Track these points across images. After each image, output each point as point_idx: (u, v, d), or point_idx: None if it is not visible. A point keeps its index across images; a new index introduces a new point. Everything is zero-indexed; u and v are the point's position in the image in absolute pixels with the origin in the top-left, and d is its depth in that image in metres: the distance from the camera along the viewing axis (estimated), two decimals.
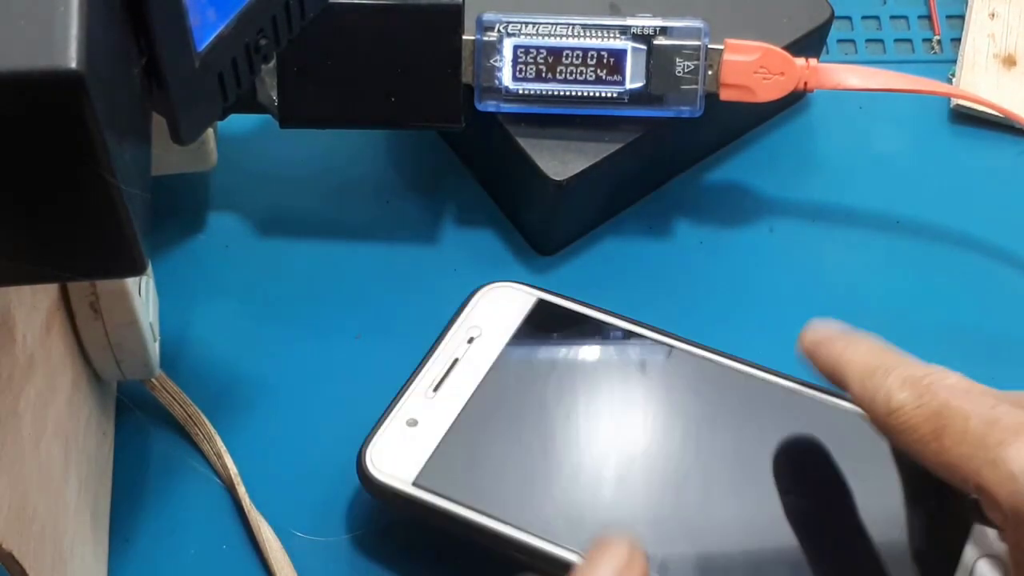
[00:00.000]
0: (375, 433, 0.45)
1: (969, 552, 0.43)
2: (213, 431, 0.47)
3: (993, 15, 0.57)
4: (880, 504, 0.44)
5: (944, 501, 0.43)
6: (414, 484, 0.44)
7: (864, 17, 0.58)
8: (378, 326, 0.49)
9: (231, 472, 0.46)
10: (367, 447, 0.45)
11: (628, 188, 0.52)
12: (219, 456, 0.47)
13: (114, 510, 0.46)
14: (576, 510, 0.44)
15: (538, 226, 0.51)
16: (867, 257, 0.52)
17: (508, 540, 0.43)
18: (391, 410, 0.46)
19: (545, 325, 0.48)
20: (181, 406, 0.47)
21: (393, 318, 0.49)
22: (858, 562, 0.43)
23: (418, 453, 0.44)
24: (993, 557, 0.42)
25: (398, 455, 0.45)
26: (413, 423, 0.46)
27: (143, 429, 0.48)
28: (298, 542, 0.45)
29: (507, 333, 0.47)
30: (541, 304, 0.48)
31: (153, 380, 0.47)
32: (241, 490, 0.46)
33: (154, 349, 0.44)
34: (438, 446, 0.45)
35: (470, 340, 0.47)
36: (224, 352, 0.49)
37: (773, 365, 0.48)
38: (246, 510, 0.46)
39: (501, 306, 0.48)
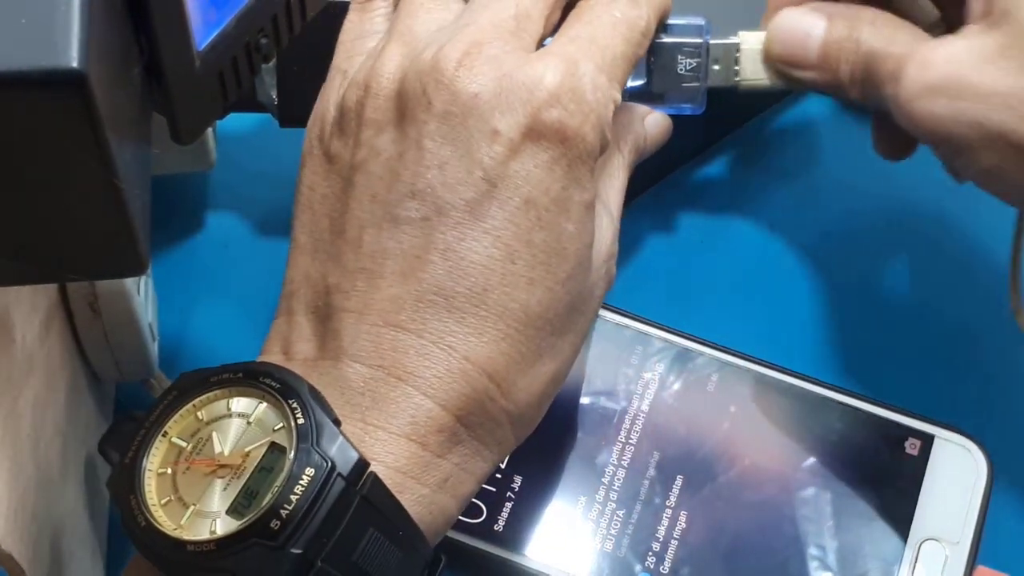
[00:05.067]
0: None
1: (914, 534, 0.44)
2: None
3: None
4: (840, 490, 0.45)
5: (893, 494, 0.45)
6: None
7: None
8: None
9: None
10: None
11: (631, 182, 0.52)
12: None
13: (112, 510, 0.45)
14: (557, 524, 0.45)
15: None
16: (867, 254, 0.52)
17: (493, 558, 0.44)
18: None
19: None
20: None
21: None
22: (811, 548, 0.44)
23: None
24: (936, 540, 0.44)
25: None
26: None
27: None
28: None
29: None
30: None
31: (152, 380, 0.47)
32: None
33: (153, 349, 0.44)
34: None
35: None
36: (223, 352, 0.49)
37: (773, 360, 0.48)
38: None
39: None
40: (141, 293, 0.43)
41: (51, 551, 0.38)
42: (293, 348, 0.37)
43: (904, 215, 0.53)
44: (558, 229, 0.37)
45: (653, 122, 0.45)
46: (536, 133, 0.36)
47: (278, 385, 0.34)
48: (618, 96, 0.39)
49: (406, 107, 0.37)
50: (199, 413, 0.34)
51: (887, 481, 0.45)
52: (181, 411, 0.34)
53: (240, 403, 0.34)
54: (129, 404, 0.47)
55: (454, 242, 0.36)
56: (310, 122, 0.40)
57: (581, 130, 0.37)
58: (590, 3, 0.40)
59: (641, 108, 0.45)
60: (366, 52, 0.40)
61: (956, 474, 0.45)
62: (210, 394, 0.34)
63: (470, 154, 0.36)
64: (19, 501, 0.35)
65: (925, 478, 0.45)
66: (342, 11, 0.46)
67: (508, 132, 0.36)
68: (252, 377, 0.34)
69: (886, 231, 0.53)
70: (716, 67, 0.47)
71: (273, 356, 0.37)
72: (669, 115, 0.48)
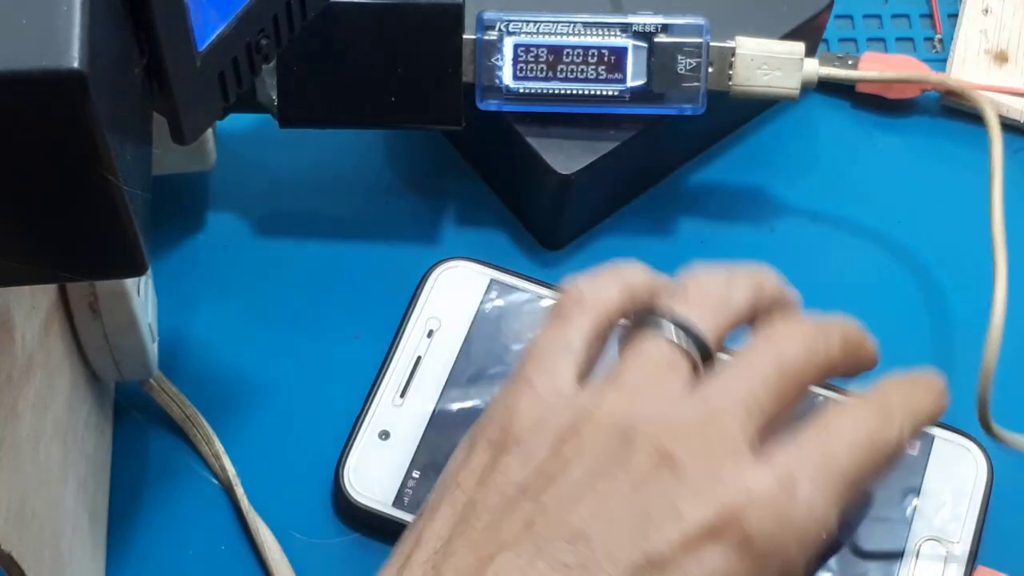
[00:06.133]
0: (349, 452, 0.45)
1: (914, 534, 0.44)
2: (211, 432, 0.47)
3: (987, 11, 0.56)
4: None
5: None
6: (394, 506, 0.44)
7: (866, 16, 0.58)
8: (378, 326, 0.49)
9: (229, 473, 0.46)
10: (344, 471, 0.45)
11: (633, 181, 0.52)
12: (217, 457, 0.46)
13: (112, 511, 0.45)
14: None
15: (544, 221, 0.51)
16: (867, 254, 0.52)
17: None
18: (361, 423, 0.46)
19: (504, 307, 0.48)
20: (179, 407, 0.47)
21: (393, 318, 0.49)
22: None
23: (394, 470, 0.44)
24: (936, 540, 0.44)
25: (374, 475, 0.45)
26: (385, 435, 0.45)
27: (141, 430, 0.47)
28: (296, 543, 0.45)
29: (466, 321, 0.48)
30: (495, 284, 0.49)
31: (151, 381, 0.47)
32: (239, 491, 0.46)
33: (152, 350, 0.44)
34: (413, 458, 0.45)
35: (429, 334, 0.48)
36: (223, 353, 0.49)
37: None
38: (244, 511, 0.45)
39: (456, 290, 0.49)
40: (141, 293, 0.43)
41: (51, 551, 0.38)
42: None
43: (905, 215, 0.53)
44: None
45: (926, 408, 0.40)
46: (718, 533, 0.34)
47: None
48: (834, 521, 0.36)
49: (610, 458, 0.35)
50: None
51: (887, 481, 0.45)
52: None
53: None
54: (129, 404, 0.47)
55: None
56: (491, 413, 0.38)
57: (775, 551, 0.35)
58: (836, 412, 0.38)
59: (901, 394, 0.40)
60: (556, 368, 0.38)
61: (956, 474, 0.45)
62: None
63: (643, 524, 0.34)
64: (19, 501, 0.35)
65: (925, 478, 0.45)
66: (342, 11, 0.46)
67: (693, 521, 0.34)
68: None
69: (886, 231, 0.53)
70: (710, 69, 0.47)
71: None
72: (669, 115, 0.48)
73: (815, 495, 0.35)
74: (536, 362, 0.39)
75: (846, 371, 0.41)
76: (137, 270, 0.29)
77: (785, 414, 0.38)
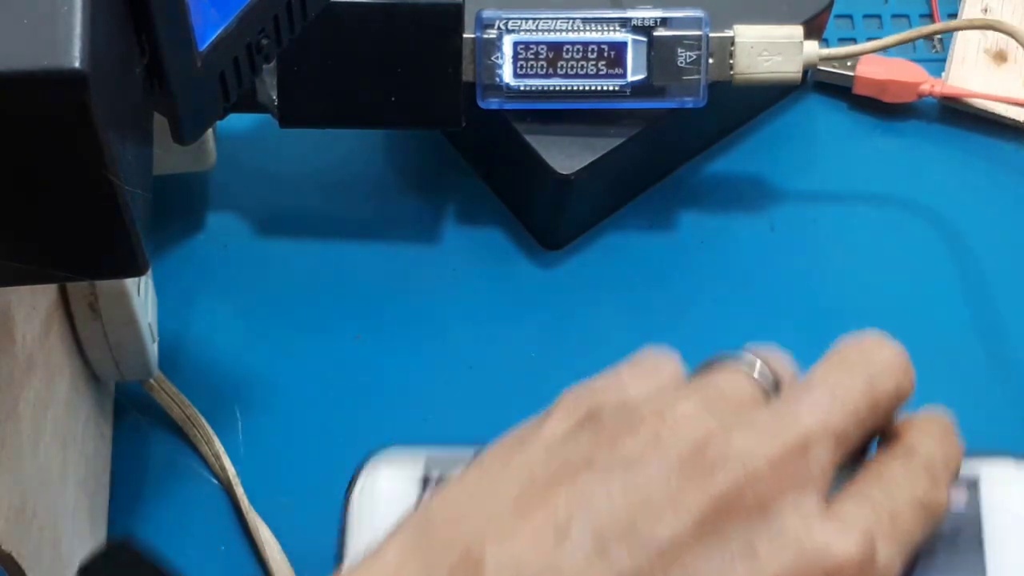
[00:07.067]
0: None
1: None
2: (211, 432, 0.47)
3: (986, 10, 0.56)
4: None
5: None
6: None
7: (866, 16, 0.58)
8: (378, 326, 0.49)
9: (229, 473, 0.46)
10: None
11: (634, 180, 0.52)
12: (217, 457, 0.46)
13: (112, 511, 0.45)
14: None
15: (544, 221, 0.51)
16: (869, 254, 0.52)
17: None
18: None
19: None
20: (179, 407, 0.47)
21: (393, 318, 0.49)
22: None
23: None
24: None
25: None
26: None
27: (141, 430, 0.47)
28: (297, 543, 0.45)
29: None
30: (430, 481, 0.39)
31: (151, 381, 0.47)
32: (239, 491, 0.46)
33: (152, 350, 0.44)
34: None
35: None
36: (223, 353, 0.49)
37: None
38: (244, 511, 0.45)
39: (386, 507, 0.39)
40: (141, 293, 0.43)
41: (50, 551, 0.38)
42: None
43: (903, 216, 0.53)
44: None
45: None
46: None
47: None
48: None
49: (687, 464, 0.32)
50: None
51: (943, 559, 0.37)
52: None
53: None
54: (129, 404, 0.47)
55: None
56: (575, 393, 0.35)
57: None
58: (889, 468, 0.35)
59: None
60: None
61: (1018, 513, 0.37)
62: None
63: (717, 552, 0.31)
64: (19, 501, 0.35)
65: (985, 542, 0.37)
66: (342, 11, 0.46)
67: (768, 566, 0.31)
68: None
69: (885, 232, 0.53)
70: (711, 61, 0.47)
71: None
72: (668, 115, 0.48)
73: (892, 557, 0.33)
74: (616, 385, 0.36)
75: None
76: (137, 270, 0.29)
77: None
